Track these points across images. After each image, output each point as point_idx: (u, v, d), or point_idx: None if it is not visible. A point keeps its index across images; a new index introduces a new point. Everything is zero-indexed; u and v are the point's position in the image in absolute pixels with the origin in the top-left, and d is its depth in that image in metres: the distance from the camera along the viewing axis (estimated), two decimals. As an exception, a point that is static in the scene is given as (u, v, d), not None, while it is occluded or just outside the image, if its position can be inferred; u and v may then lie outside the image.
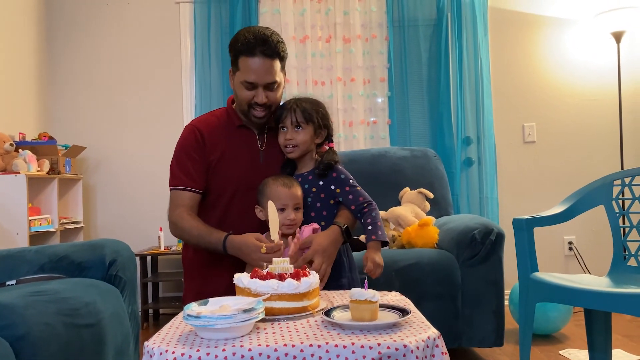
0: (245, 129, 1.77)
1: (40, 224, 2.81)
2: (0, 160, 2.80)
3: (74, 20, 3.56)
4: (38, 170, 2.90)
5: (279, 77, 1.67)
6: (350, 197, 1.66)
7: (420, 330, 1.10)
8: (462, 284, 2.27)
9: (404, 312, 1.18)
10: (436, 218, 2.61)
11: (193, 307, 1.15)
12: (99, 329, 1.59)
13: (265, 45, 1.60)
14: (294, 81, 3.35)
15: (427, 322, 1.17)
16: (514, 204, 3.37)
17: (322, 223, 1.67)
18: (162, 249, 3.23)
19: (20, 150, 2.90)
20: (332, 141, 1.76)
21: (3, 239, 2.64)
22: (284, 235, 1.60)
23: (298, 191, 1.62)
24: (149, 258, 3.29)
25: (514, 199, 3.41)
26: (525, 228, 1.95)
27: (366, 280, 1.23)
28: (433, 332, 1.10)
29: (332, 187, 1.68)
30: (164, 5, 3.55)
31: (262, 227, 1.64)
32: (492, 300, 2.26)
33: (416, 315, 1.22)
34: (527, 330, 1.90)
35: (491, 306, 2.25)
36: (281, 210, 1.59)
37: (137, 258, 3.10)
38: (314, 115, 1.66)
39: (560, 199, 2.17)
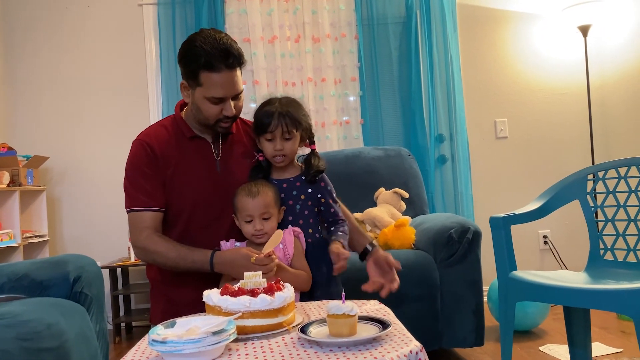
0: (198, 138, 1.67)
1: (2, 239, 2.69)
2: None
3: (33, 25, 3.42)
4: None
5: (242, 84, 1.59)
6: (332, 210, 1.64)
7: (401, 344, 1.06)
8: (440, 285, 2.25)
9: (384, 324, 1.13)
10: (412, 218, 2.59)
11: (159, 331, 1.08)
12: (63, 351, 1.51)
13: (230, 57, 1.50)
14: (263, 82, 3.28)
15: (409, 334, 1.12)
16: (488, 200, 3.37)
17: (310, 231, 1.61)
18: (133, 259, 3.12)
19: None
20: (314, 142, 1.69)
21: (-40, 258, 2.51)
22: (256, 244, 1.54)
23: (266, 199, 1.53)
24: (119, 270, 3.19)
25: (488, 195, 3.41)
26: (502, 226, 1.93)
27: (343, 293, 1.18)
28: (415, 345, 1.05)
29: (319, 195, 1.63)
30: (127, 8, 3.44)
31: (228, 238, 1.59)
32: (471, 300, 2.24)
33: (397, 326, 1.18)
34: (507, 330, 1.89)
35: (470, 306, 2.24)
36: (248, 222, 1.53)
37: (107, 270, 3.01)
38: (302, 121, 1.60)
39: (533, 193, 2.16)
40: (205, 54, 1.49)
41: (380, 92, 3.34)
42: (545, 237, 3.47)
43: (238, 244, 1.57)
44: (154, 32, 3.40)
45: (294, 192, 1.61)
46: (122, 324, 3.24)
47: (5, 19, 3.40)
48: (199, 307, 1.25)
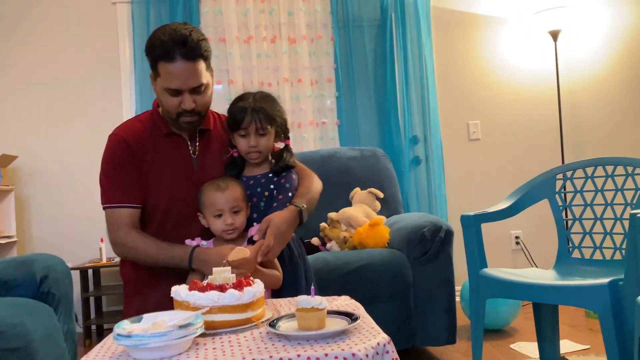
0: (174, 135, 1.65)
1: None
2: None
3: (2, 21, 3.34)
4: None
5: (205, 78, 1.55)
6: (275, 204, 1.58)
7: (369, 336, 1.06)
8: (413, 283, 2.26)
9: (352, 317, 1.14)
10: (387, 217, 2.61)
11: (124, 326, 1.07)
12: (28, 352, 1.48)
13: (185, 47, 1.47)
14: (239, 82, 3.27)
15: (377, 327, 1.13)
16: (461, 201, 3.41)
17: None
18: (104, 261, 3.07)
19: None
20: (289, 138, 1.68)
21: None
22: (226, 241, 1.53)
23: (236, 192, 1.52)
24: (90, 271, 3.12)
25: (461, 196, 3.45)
26: (473, 224, 1.97)
27: (313, 287, 1.18)
28: (383, 337, 1.06)
29: (275, 192, 1.60)
30: (100, 5, 3.39)
31: (203, 236, 1.57)
32: (443, 298, 2.26)
33: (366, 320, 1.18)
34: (478, 327, 1.92)
35: (443, 304, 2.26)
36: (218, 216, 1.51)
37: (78, 272, 2.95)
38: (276, 117, 1.58)
39: (505, 194, 2.20)
40: (162, 44, 1.48)
41: (356, 94, 3.36)
42: (517, 237, 3.53)
43: (204, 242, 1.55)
44: (128, 31, 3.36)
45: (258, 189, 1.59)
46: (93, 327, 3.17)
47: (-26, 16, 3.33)
48: (172, 306, 1.24)
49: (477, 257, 1.95)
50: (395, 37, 3.38)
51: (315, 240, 2.59)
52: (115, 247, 1.59)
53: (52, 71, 3.36)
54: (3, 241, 2.97)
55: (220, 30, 3.31)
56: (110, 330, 3.24)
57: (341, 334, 1.07)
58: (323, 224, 2.59)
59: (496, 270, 1.92)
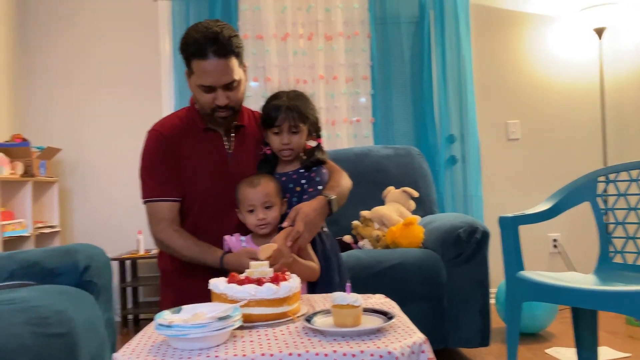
0: (210, 131, 1.67)
1: (14, 229, 2.72)
2: None
3: (49, 18, 3.45)
4: (11, 173, 2.81)
5: (238, 74, 1.57)
6: (305, 197, 1.60)
7: (405, 335, 1.06)
8: (447, 284, 2.24)
9: (388, 316, 1.13)
10: (421, 217, 2.57)
11: (165, 316, 1.09)
12: (71, 338, 1.53)
13: (217, 44, 1.48)
14: (275, 79, 3.29)
15: (413, 326, 1.12)
16: (498, 202, 3.34)
17: None
18: (142, 252, 3.15)
19: None
20: (321, 137, 1.69)
21: (-26, 245, 2.54)
22: (260, 236, 1.55)
23: (267, 188, 1.54)
24: (127, 262, 3.21)
25: (498, 197, 3.38)
26: (511, 226, 1.93)
27: (349, 284, 1.18)
28: (419, 336, 1.05)
29: (306, 185, 1.61)
30: (142, 3, 3.46)
31: (239, 231, 1.59)
32: (477, 300, 2.23)
33: (401, 318, 1.17)
34: (514, 330, 1.88)
35: (477, 306, 2.23)
36: (250, 211, 1.54)
37: (116, 262, 3.03)
38: (309, 115, 1.60)
39: (544, 196, 2.15)
40: (194, 42, 1.50)
41: (392, 92, 3.34)
42: (555, 240, 3.44)
43: (243, 238, 1.57)
44: (168, 28, 3.42)
45: (290, 185, 1.62)
46: (130, 316, 3.26)
47: (22, 11, 3.44)
48: (209, 298, 1.26)
49: (514, 259, 1.91)
50: (433, 35, 3.35)
51: (347, 238, 2.58)
52: (155, 241, 1.64)
53: (95, 67, 3.45)
54: (47, 230, 3.07)
55: (258, 27, 3.34)
56: (146, 320, 3.36)
57: (376, 332, 1.07)
58: (355, 222, 2.58)
59: (534, 273, 1.88)
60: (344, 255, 2.21)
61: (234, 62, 1.54)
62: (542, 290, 1.78)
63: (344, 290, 1.54)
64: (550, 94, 3.47)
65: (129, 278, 3.25)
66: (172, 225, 1.60)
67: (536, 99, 3.47)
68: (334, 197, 1.56)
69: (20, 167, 2.87)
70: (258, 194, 1.52)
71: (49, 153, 3.14)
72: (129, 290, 3.25)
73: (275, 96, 1.62)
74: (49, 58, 3.45)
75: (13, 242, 2.83)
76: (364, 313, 1.14)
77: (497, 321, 2.62)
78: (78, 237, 3.41)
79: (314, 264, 1.57)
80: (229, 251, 1.57)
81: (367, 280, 2.15)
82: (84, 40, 3.46)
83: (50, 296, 1.58)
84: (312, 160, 1.62)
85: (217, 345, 1.02)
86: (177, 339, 1.01)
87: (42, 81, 3.44)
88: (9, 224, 2.69)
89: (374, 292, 1.48)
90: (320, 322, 1.14)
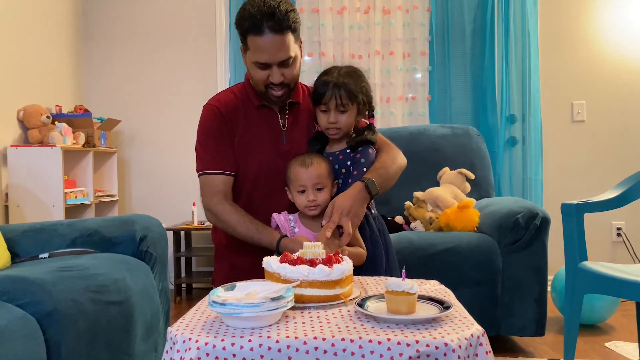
0: (265, 107, 1.65)
1: (76, 197, 2.83)
2: (37, 132, 2.83)
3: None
4: (74, 143, 2.92)
5: (294, 50, 1.52)
6: (350, 180, 1.55)
7: (462, 326, 1.02)
8: (502, 270, 2.18)
9: (444, 305, 1.10)
10: (476, 200, 2.51)
11: (219, 293, 1.10)
12: (127, 305, 1.59)
13: (273, 20, 1.43)
14: (330, 54, 3.24)
15: (470, 317, 1.08)
16: (559, 187, 3.21)
17: None
18: (196, 224, 3.22)
19: (56, 122, 2.92)
20: (374, 116, 1.64)
21: (40, 211, 2.67)
22: (309, 217, 1.53)
23: (320, 169, 1.50)
24: (182, 233, 3.29)
25: (559, 182, 3.25)
26: (574, 214, 1.84)
27: (404, 270, 1.15)
28: (477, 329, 1.01)
29: (351, 168, 1.56)
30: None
31: (291, 209, 1.58)
32: (534, 288, 2.17)
33: (458, 309, 1.13)
34: (573, 323, 1.82)
35: (533, 294, 2.17)
36: (301, 192, 1.51)
37: (171, 233, 3.12)
38: (359, 94, 1.54)
39: (608, 183, 2.03)
40: (250, 17, 1.46)
41: (451, 68, 3.23)
42: (619, 228, 3.27)
43: (291, 217, 1.55)
44: (225, 2, 3.42)
45: (336, 166, 1.57)
46: (183, 285, 3.36)
47: (85, -14, 3.52)
48: (261, 273, 1.26)
49: (576, 249, 1.83)
50: (497, 8, 3.19)
51: (399, 219, 2.55)
52: (207, 213, 1.63)
53: (153, 40, 3.51)
54: (106, 199, 3.19)
55: (315, 1, 3.28)
56: (199, 289, 3.46)
57: (432, 321, 1.04)
58: (408, 203, 2.54)
59: (597, 264, 1.79)
60: (395, 236, 2.19)
61: (290, 38, 1.50)
62: (605, 282, 1.70)
63: (391, 275, 1.52)
64: (622, 73, 3.26)
65: (183, 248, 3.34)
66: (227, 199, 1.59)
67: (605, 79, 3.27)
68: (370, 179, 1.51)
69: (82, 138, 2.97)
70: (310, 175, 1.49)
71: (109, 124, 3.23)
72: (183, 260, 3.34)
73: (327, 72, 1.57)
74: (110, 31, 3.52)
75: (75, 209, 2.95)
76: (419, 300, 1.11)
77: (552, 310, 2.53)
78: (135, 206, 3.53)
79: (360, 249, 1.53)
80: (281, 233, 1.55)
81: (418, 263, 2.12)
82: (143, 13, 3.51)
83: (108, 264, 1.64)
84: (358, 140, 1.56)
85: (269, 325, 1.02)
86: (230, 317, 1.01)
87: (103, 55, 3.53)
88: (71, 191, 2.81)
89: (426, 275, 1.45)
90: (373, 307, 1.12)
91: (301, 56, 1.61)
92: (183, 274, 3.35)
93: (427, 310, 1.08)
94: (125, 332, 1.57)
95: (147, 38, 3.51)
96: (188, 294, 3.37)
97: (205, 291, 3.72)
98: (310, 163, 1.49)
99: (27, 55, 2.96)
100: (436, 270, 2.09)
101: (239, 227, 1.56)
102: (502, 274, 2.17)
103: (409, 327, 1.01)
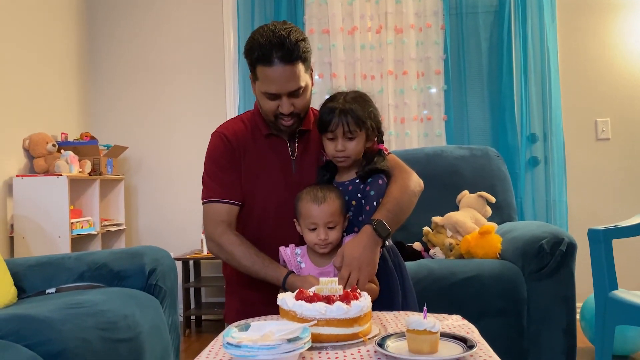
0: (274, 137, 1.61)
1: (82, 227, 2.81)
2: (43, 161, 2.82)
3: (115, 18, 3.54)
4: (80, 171, 2.90)
5: (304, 80, 1.49)
6: (361, 218, 1.48)
7: (489, 367, 0.95)
8: (528, 300, 2.08)
9: (468, 344, 1.04)
10: (498, 225, 2.42)
11: (233, 334, 1.05)
12: (137, 342, 1.56)
13: (283, 50, 1.41)
14: (341, 75, 3.22)
15: (496, 357, 1.02)
16: (585, 209, 3.13)
17: None
18: (205, 252, 3.16)
19: (62, 150, 2.91)
20: (383, 142, 1.58)
21: (45, 242, 2.65)
22: (319, 254, 1.46)
23: (333, 206, 1.42)
24: (191, 262, 3.23)
25: (585, 203, 3.16)
26: (602, 240, 1.80)
27: (425, 308, 1.08)
28: (507, 371, 0.93)
29: (363, 201, 1.49)
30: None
31: (302, 241, 1.51)
32: (562, 318, 2.06)
33: (482, 347, 1.07)
34: (605, 356, 1.77)
35: (561, 324, 2.06)
36: (312, 229, 1.43)
37: (179, 262, 3.06)
38: (367, 120, 1.48)
39: (638, 204, 1.93)
40: (259, 47, 1.43)
41: (467, 87, 3.19)
42: (651, 253, 3.14)
43: (298, 250, 1.49)
44: (233, 23, 3.42)
45: (346, 197, 1.50)
46: (192, 317, 3.29)
47: (88, 13, 3.54)
48: (273, 309, 1.22)
49: (606, 277, 1.79)
50: (514, 25, 3.17)
51: (417, 245, 2.46)
52: (210, 244, 1.58)
53: (160, 65, 3.51)
54: (113, 229, 3.15)
55: (325, 21, 3.27)
56: (209, 321, 3.35)
57: None
58: (426, 229, 2.46)
59: (628, 293, 1.72)
60: (414, 264, 2.11)
61: (300, 68, 1.46)
62: (637, 313, 1.62)
63: (409, 310, 1.44)
64: (644, 89, 3.18)
65: (192, 278, 3.27)
66: (232, 230, 1.55)
67: (629, 95, 3.20)
68: (378, 221, 1.43)
69: (88, 165, 2.95)
70: (323, 213, 1.42)
71: (115, 151, 3.21)
72: (192, 291, 3.28)
73: (332, 98, 1.52)
74: (116, 59, 3.53)
75: (81, 239, 2.93)
76: (441, 338, 1.06)
77: (582, 340, 2.41)
78: (142, 235, 3.49)
79: (373, 285, 1.46)
80: (288, 269, 1.49)
81: (439, 293, 2.03)
82: (150, 40, 3.52)
83: (118, 300, 1.62)
84: (367, 170, 1.50)
85: None
86: (245, 359, 0.97)
87: (109, 81, 3.52)
88: (77, 221, 2.78)
89: (447, 306, 1.40)
90: (393, 346, 1.06)
91: (312, 84, 1.58)
92: (192, 306, 3.28)
93: (450, 350, 1.03)
94: (135, 370, 1.51)
95: (155, 64, 3.51)
96: (198, 327, 3.29)
97: (216, 323, 3.68)
98: (324, 199, 1.42)
99: (32, 82, 2.96)
100: (458, 301, 2.01)
101: (244, 260, 1.50)
102: (527, 303, 2.07)
103: (433, 370, 0.94)
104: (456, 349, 1.03)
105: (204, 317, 3.32)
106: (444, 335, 1.08)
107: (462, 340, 1.06)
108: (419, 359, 0.98)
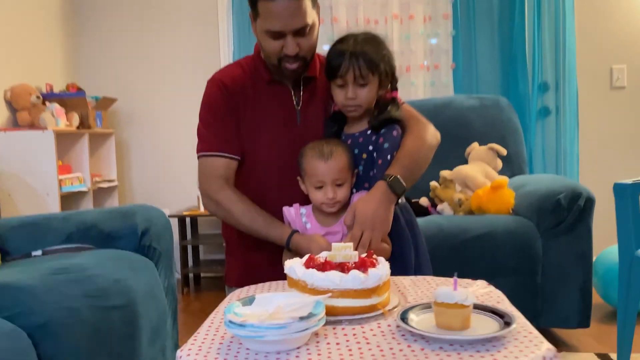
0: (277, 84, 1.48)
1: (72, 184, 2.70)
2: (27, 114, 2.68)
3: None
4: (67, 125, 2.77)
5: (311, 17, 1.35)
6: (372, 172, 1.38)
7: (530, 345, 0.86)
8: (543, 257, 2.05)
9: (504, 318, 0.94)
10: (509, 178, 2.37)
11: (236, 310, 0.94)
12: (130, 309, 1.48)
13: None
14: (343, 20, 3.09)
15: (537, 333, 0.92)
16: (597, 161, 3.07)
17: None
18: (202, 209, 3.07)
19: (47, 103, 2.77)
20: (397, 89, 1.45)
21: (33, 200, 2.54)
22: (327, 215, 1.37)
23: (340, 162, 1.32)
24: (187, 219, 3.15)
25: (597, 155, 3.10)
26: (629, 195, 1.69)
27: (456, 277, 0.97)
28: (548, 348, 0.85)
29: (375, 154, 1.38)
30: None
31: (308, 200, 1.41)
32: (578, 276, 2.04)
33: (520, 321, 0.96)
34: (629, 316, 1.68)
35: (577, 282, 2.04)
36: (319, 187, 1.33)
37: (175, 219, 2.97)
38: (380, 63, 1.34)
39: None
40: None
41: (477, 32, 3.08)
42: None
43: (303, 210, 1.40)
44: (226, -36, 3.23)
45: (356, 151, 1.39)
46: (191, 275, 3.24)
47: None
48: (278, 271, 1.15)
49: (632, 235, 1.67)
50: (527, -36, 3.02)
51: (424, 201, 2.43)
52: (206, 200, 1.48)
53: (149, 11, 3.32)
54: (105, 185, 3.05)
55: (325, -39, 3.11)
56: (207, 278, 3.29)
57: (493, 340, 0.87)
58: (434, 183, 2.40)
59: None
60: (422, 221, 2.03)
61: (307, 2, 1.33)
62: None
63: (422, 272, 1.36)
64: (663, 34, 3.08)
65: (189, 236, 3.20)
66: (230, 186, 1.44)
67: (646, 41, 3.10)
68: (393, 177, 1.33)
69: (76, 119, 2.82)
70: (329, 169, 1.31)
71: (104, 103, 3.08)
72: (190, 249, 3.22)
73: (342, 40, 1.38)
74: (103, 5, 3.34)
75: (71, 197, 2.83)
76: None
77: (594, 297, 2.37)
78: (136, 192, 3.39)
79: (385, 245, 1.37)
80: (293, 229, 1.40)
81: (449, 251, 1.99)
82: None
83: (108, 263, 1.53)
84: (381, 120, 1.37)
85: (297, 348, 0.88)
86: (251, 340, 0.88)
87: (96, 29, 3.34)
88: (66, 178, 2.67)
89: (458, 264, 1.34)
90: (417, 320, 0.96)
91: (319, 24, 1.42)
92: (190, 264, 3.22)
93: (484, 325, 0.92)
94: (130, 338, 1.45)
95: (145, 9, 3.31)
96: (196, 284, 3.25)
97: (215, 280, 3.60)
98: (330, 155, 1.31)
99: (13, 30, 2.78)
100: (470, 259, 1.98)
101: (244, 219, 1.40)
102: (542, 261, 2.05)
103: (466, 349, 0.85)
104: (491, 323, 0.93)
105: (202, 274, 3.28)
106: (474, 306, 0.96)
107: (495, 312, 0.96)
108: (451, 337, 0.87)
